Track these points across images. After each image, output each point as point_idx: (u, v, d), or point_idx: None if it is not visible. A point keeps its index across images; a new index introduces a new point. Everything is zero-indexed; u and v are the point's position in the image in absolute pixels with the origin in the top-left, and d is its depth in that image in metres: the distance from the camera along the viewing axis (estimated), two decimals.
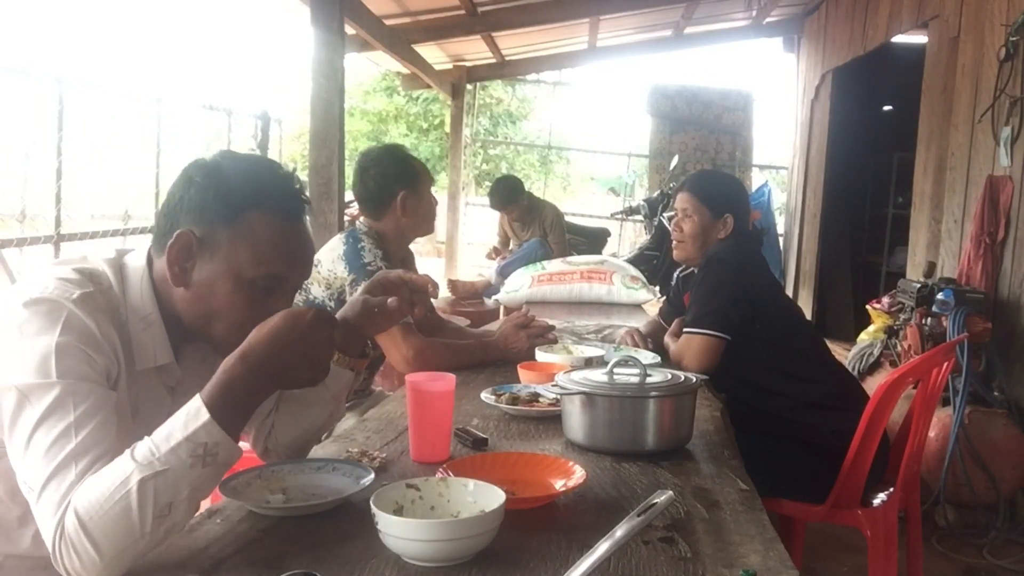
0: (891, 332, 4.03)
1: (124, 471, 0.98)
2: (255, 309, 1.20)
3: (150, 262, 1.23)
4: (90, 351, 1.08)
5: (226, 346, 1.24)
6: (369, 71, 15.53)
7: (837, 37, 6.51)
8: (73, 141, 4.81)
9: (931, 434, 3.22)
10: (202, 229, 1.19)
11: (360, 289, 1.51)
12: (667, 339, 2.45)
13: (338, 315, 1.51)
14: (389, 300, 1.44)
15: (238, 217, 1.18)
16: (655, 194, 7.52)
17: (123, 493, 0.97)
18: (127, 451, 1.01)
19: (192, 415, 1.02)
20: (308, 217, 1.29)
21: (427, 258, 10.34)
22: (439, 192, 2.59)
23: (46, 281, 1.12)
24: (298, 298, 2.31)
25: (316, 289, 2.30)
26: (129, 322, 1.19)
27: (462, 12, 6.26)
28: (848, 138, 6.85)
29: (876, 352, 4.05)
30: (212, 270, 1.19)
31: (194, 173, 1.21)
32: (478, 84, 11.24)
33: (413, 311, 1.49)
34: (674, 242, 2.50)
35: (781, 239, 8.40)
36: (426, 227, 2.49)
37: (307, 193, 1.30)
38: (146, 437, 1.02)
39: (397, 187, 2.37)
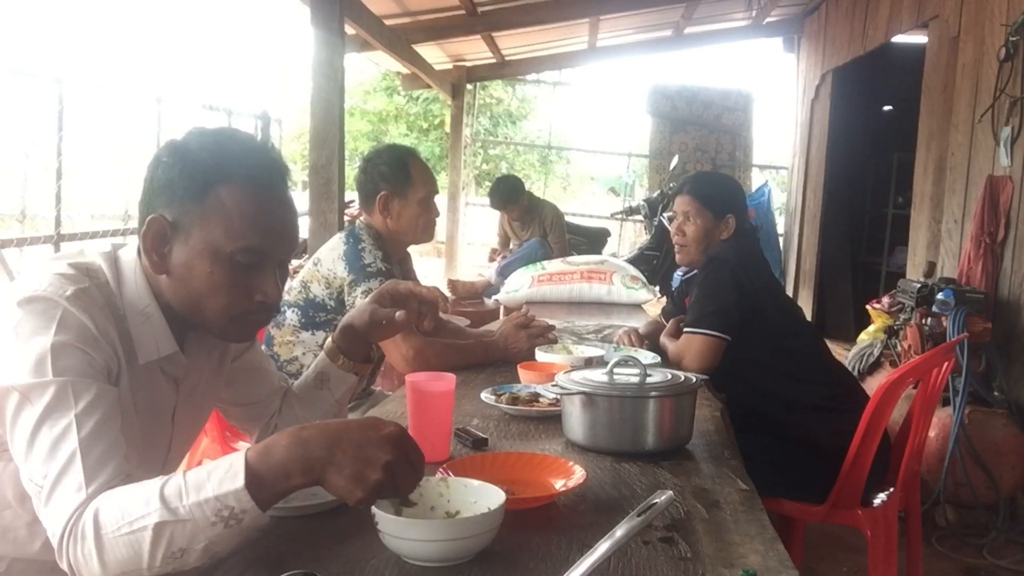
0: (891, 332, 4.03)
1: (147, 504, 0.95)
2: (238, 287, 1.18)
3: (140, 254, 1.21)
4: (88, 349, 1.07)
5: (222, 331, 1.23)
6: (369, 71, 15.55)
7: (837, 37, 6.51)
8: (73, 141, 4.81)
9: (931, 434, 3.22)
10: (173, 211, 1.16)
11: (368, 298, 1.50)
12: (663, 339, 2.45)
13: (343, 321, 1.51)
14: (397, 313, 1.43)
15: (206, 193, 1.15)
16: (655, 194, 7.52)
17: (139, 527, 0.94)
18: (158, 481, 0.97)
19: (230, 475, 0.96)
20: (287, 186, 1.24)
21: (427, 258, 10.33)
22: (439, 193, 2.53)
23: (41, 278, 1.11)
24: (298, 296, 2.31)
25: (316, 287, 2.30)
26: (127, 316, 1.18)
27: (462, 12, 6.26)
28: (848, 138, 6.85)
29: (876, 352, 4.04)
30: (188, 251, 1.16)
31: (162, 153, 1.19)
32: (478, 84, 11.24)
33: (422, 324, 1.48)
34: (676, 246, 2.50)
35: (781, 239, 8.40)
36: (413, 235, 2.42)
37: (284, 161, 1.24)
38: (180, 474, 0.98)
39: (382, 185, 2.37)
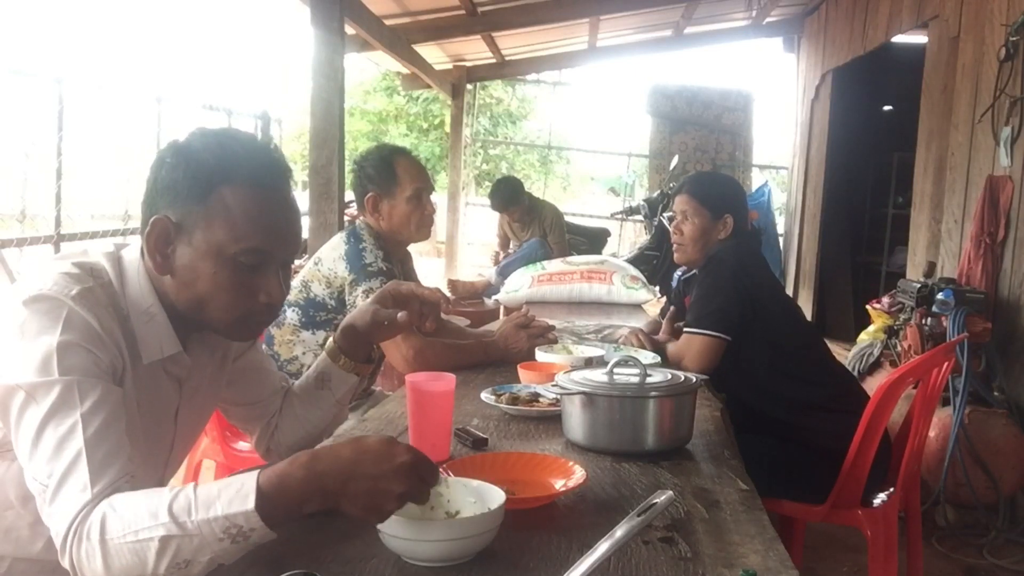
0: (891, 332, 4.03)
1: (155, 516, 0.95)
2: (242, 288, 1.18)
3: (143, 254, 1.21)
4: (93, 348, 1.08)
5: (226, 330, 1.23)
6: (369, 71, 15.55)
7: (837, 37, 6.51)
8: (73, 141, 4.81)
9: (931, 434, 3.22)
10: (177, 212, 1.16)
11: (370, 299, 1.51)
12: (662, 339, 2.45)
13: (345, 321, 1.51)
14: (399, 314, 1.44)
15: (210, 193, 1.15)
16: (655, 194, 7.52)
17: (145, 538, 0.94)
18: (167, 494, 0.97)
19: (240, 496, 0.96)
20: (290, 186, 1.23)
21: (427, 258, 10.33)
22: (439, 192, 2.53)
23: (45, 277, 1.11)
24: (299, 295, 2.31)
25: (316, 287, 2.30)
26: (131, 316, 1.18)
27: (462, 12, 6.26)
28: (848, 138, 6.85)
29: (876, 352, 4.05)
30: (192, 253, 1.16)
31: (165, 154, 1.19)
32: (478, 84, 11.24)
33: (424, 324, 1.49)
34: (674, 245, 2.50)
35: (781, 239, 8.40)
36: (408, 233, 2.41)
37: (286, 162, 1.24)
38: (191, 487, 0.98)
39: (369, 187, 2.38)
